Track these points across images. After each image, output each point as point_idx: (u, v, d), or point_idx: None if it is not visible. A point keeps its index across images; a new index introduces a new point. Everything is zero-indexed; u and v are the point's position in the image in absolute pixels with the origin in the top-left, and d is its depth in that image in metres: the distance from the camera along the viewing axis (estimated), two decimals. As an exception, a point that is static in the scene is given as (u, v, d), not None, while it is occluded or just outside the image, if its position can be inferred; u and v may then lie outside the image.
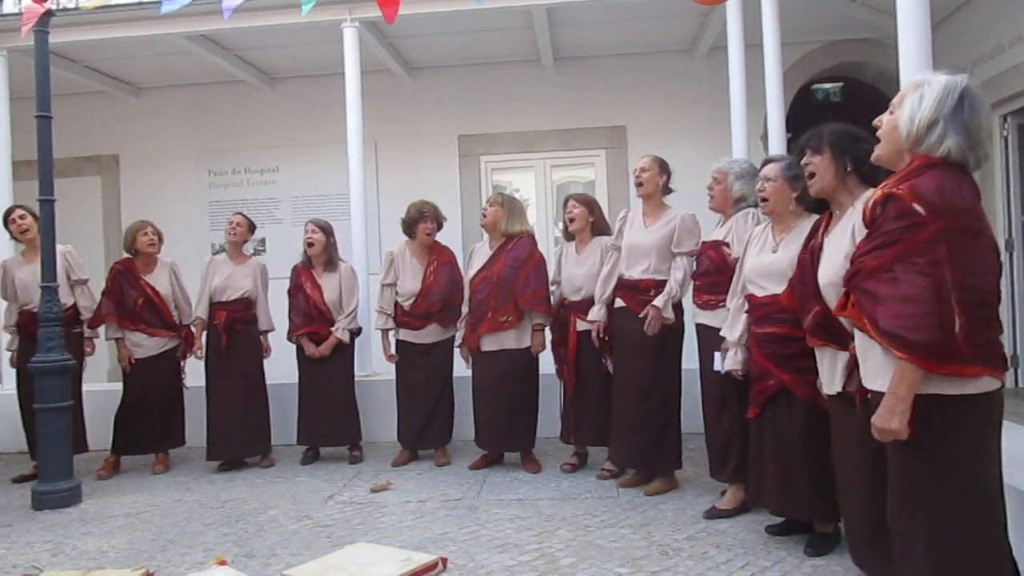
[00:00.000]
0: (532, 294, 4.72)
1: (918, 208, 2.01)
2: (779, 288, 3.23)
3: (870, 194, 2.24)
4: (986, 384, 2.03)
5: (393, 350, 5.19)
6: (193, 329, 5.29)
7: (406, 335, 5.13)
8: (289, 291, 5.34)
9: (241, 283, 5.25)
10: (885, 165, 2.25)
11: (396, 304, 5.14)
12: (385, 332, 5.20)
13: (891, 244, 2.05)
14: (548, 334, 4.87)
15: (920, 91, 2.12)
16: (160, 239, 5.26)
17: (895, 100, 2.21)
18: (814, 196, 2.85)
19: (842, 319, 2.41)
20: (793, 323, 3.17)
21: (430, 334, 5.09)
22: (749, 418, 3.45)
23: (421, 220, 5.09)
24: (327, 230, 5.28)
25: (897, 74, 3.42)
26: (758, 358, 3.36)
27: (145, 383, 5.13)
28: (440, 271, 5.10)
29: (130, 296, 5.11)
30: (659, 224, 4.22)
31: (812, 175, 2.79)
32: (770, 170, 3.39)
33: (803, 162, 2.82)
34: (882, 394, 2.10)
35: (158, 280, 5.21)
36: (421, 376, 5.09)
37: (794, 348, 3.15)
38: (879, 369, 2.15)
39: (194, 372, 5.39)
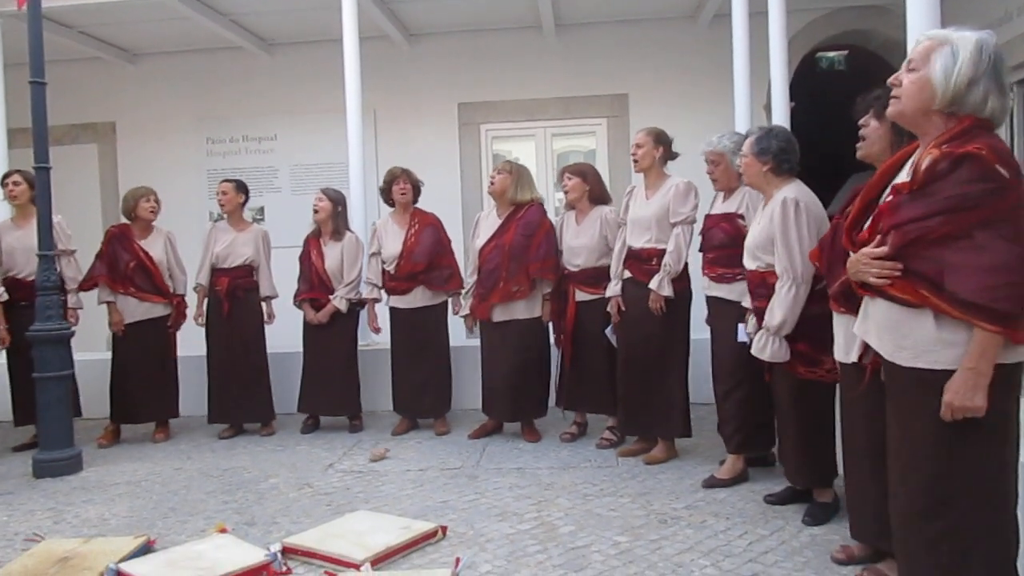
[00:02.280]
0: (543, 262, 4.67)
1: (1002, 171, 1.90)
2: (751, 264, 3.38)
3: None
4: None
5: (380, 321, 5.20)
6: (190, 297, 5.27)
7: (395, 301, 5.13)
8: (300, 258, 5.35)
9: (242, 250, 5.23)
10: (905, 124, 2.13)
11: (384, 273, 5.14)
12: (372, 302, 5.21)
13: (967, 208, 1.92)
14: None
15: (949, 47, 1.99)
16: (160, 207, 5.24)
17: (914, 56, 2.06)
18: (860, 159, 2.80)
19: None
20: (766, 296, 3.28)
21: (418, 298, 5.07)
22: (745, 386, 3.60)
23: (394, 183, 5.08)
24: (336, 199, 5.25)
25: (903, 42, 3.37)
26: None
27: (134, 349, 5.10)
28: (422, 232, 5.08)
29: (123, 259, 5.09)
30: (659, 195, 4.19)
31: (861, 138, 2.75)
32: (744, 146, 3.44)
33: (860, 121, 2.75)
34: (926, 371, 2.00)
35: (152, 246, 5.18)
36: (413, 344, 5.09)
37: None
38: (925, 346, 2.02)
39: (194, 340, 5.39)
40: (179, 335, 5.33)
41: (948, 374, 1.97)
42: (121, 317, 5.09)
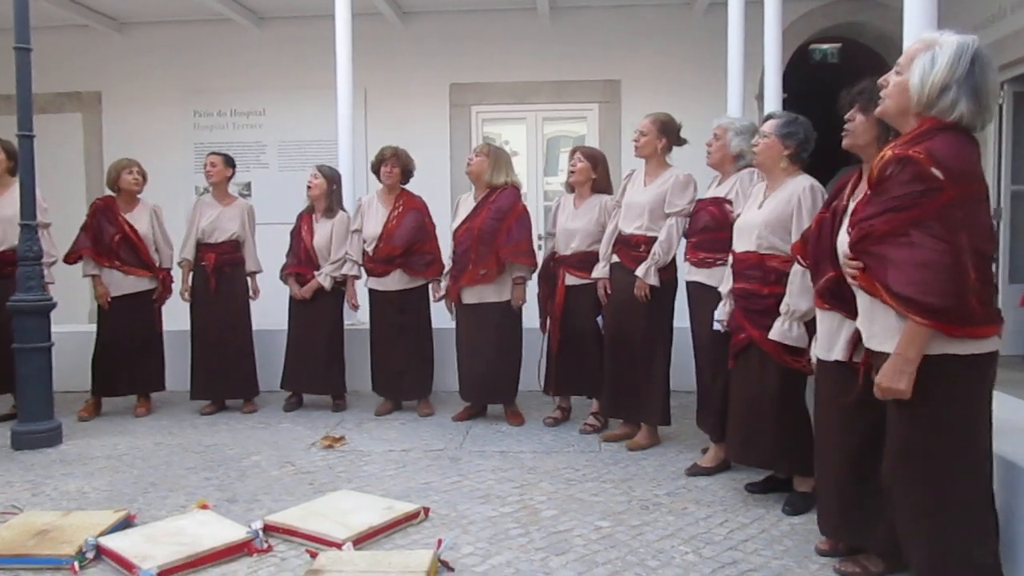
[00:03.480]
0: (515, 246, 4.67)
1: (936, 173, 2.02)
2: (751, 245, 3.32)
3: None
4: (990, 344, 2.09)
5: (358, 299, 5.19)
6: (175, 272, 5.23)
7: (374, 283, 5.11)
8: (291, 233, 5.32)
9: (228, 224, 5.19)
10: (889, 122, 2.26)
11: (364, 253, 5.12)
12: (351, 279, 5.20)
13: (905, 208, 2.06)
14: (535, 287, 4.85)
15: (931, 52, 2.10)
16: (144, 179, 5.17)
17: (902, 60, 2.19)
18: (845, 148, 2.81)
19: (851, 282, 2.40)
20: (761, 280, 3.29)
21: (395, 281, 5.04)
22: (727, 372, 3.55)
23: (382, 163, 5.05)
24: (330, 177, 5.22)
25: (897, 37, 3.37)
26: (735, 311, 3.45)
27: (119, 323, 5.05)
28: (405, 216, 5.04)
29: (107, 232, 5.02)
30: (656, 183, 4.17)
31: (848, 131, 2.77)
32: (767, 125, 3.39)
33: (847, 115, 2.79)
34: (887, 355, 2.13)
35: (138, 219, 5.12)
36: (392, 326, 5.07)
37: (761, 304, 3.28)
38: (888, 332, 2.16)
39: (177, 315, 5.35)
40: (163, 310, 5.27)
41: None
42: (107, 290, 5.03)
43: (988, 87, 2.09)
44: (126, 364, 5.08)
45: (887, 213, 2.10)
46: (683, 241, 4.09)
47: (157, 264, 5.19)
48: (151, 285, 5.16)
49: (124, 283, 5.07)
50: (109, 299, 5.03)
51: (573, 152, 4.70)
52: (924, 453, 2.15)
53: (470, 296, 4.78)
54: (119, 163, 5.13)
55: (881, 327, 2.19)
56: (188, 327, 5.24)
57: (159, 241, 5.22)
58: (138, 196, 5.17)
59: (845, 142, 2.81)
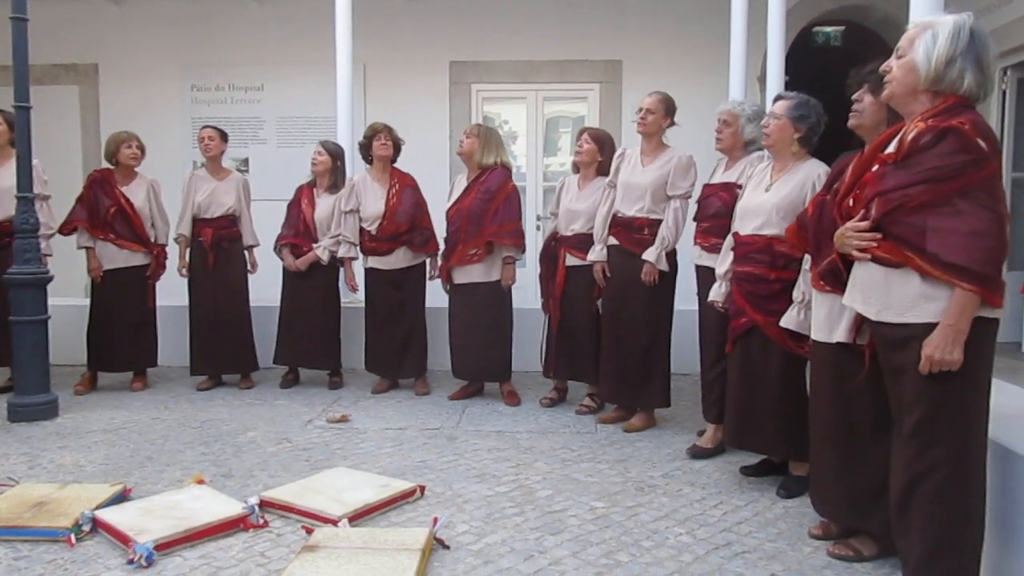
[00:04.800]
0: (500, 227, 4.67)
1: (981, 144, 2.08)
2: (758, 228, 3.30)
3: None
4: (1000, 310, 2.16)
5: (358, 279, 5.19)
6: (172, 249, 5.21)
7: (375, 262, 5.08)
8: (288, 206, 5.29)
9: (224, 199, 5.16)
10: (895, 106, 2.31)
11: (362, 232, 5.09)
12: (349, 261, 5.18)
13: (949, 178, 2.09)
14: (536, 267, 4.85)
15: (931, 31, 2.18)
16: (143, 153, 5.13)
17: (902, 44, 2.25)
18: (850, 127, 2.81)
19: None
20: (769, 265, 3.26)
21: (400, 259, 5.04)
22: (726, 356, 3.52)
23: (375, 137, 5.02)
24: (335, 154, 5.20)
25: (901, 19, 3.36)
26: (735, 295, 3.42)
27: (112, 297, 5.03)
28: (403, 192, 5.03)
29: (103, 204, 4.99)
30: (657, 164, 4.15)
31: (857, 111, 2.79)
32: (778, 107, 3.35)
33: (855, 96, 2.79)
34: (909, 325, 2.18)
35: (134, 193, 5.08)
36: (392, 305, 5.06)
37: (767, 289, 3.25)
38: (908, 302, 2.18)
39: (174, 290, 5.34)
40: (158, 285, 5.25)
41: (931, 327, 2.14)
42: (99, 263, 5.01)
43: (989, 58, 2.18)
44: (120, 339, 5.06)
45: (926, 183, 2.12)
46: (692, 225, 4.07)
47: (153, 239, 5.16)
48: (145, 260, 5.13)
49: (118, 256, 5.05)
50: (101, 273, 5.02)
51: (581, 133, 4.67)
52: (952, 420, 2.18)
53: (460, 276, 4.79)
54: (118, 136, 5.09)
55: (899, 298, 2.20)
56: (186, 303, 5.23)
57: (155, 216, 5.19)
58: (136, 170, 5.14)
59: (851, 122, 2.82)
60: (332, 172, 5.18)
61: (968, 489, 2.20)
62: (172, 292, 5.39)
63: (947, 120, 2.11)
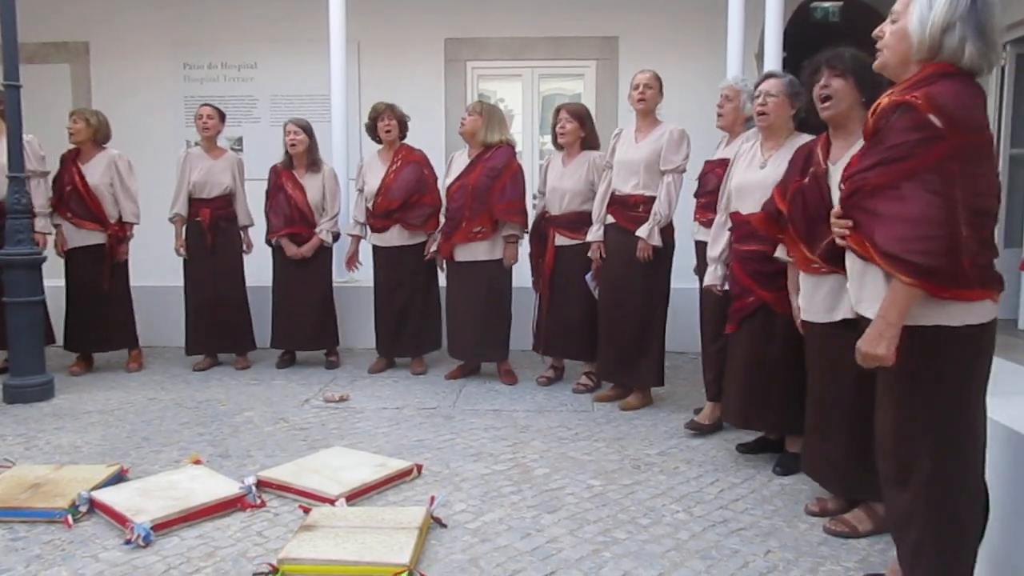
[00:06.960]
0: (508, 204, 4.66)
1: (935, 120, 1.84)
2: (753, 206, 3.24)
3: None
4: (986, 313, 1.95)
5: (361, 257, 5.18)
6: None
7: (375, 239, 5.09)
8: (268, 192, 5.22)
9: (221, 178, 5.12)
10: (889, 75, 2.08)
11: (367, 210, 5.09)
12: (355, 239, 5.17)
13: (900, 159, 1.88)
14: (526, 246, 4.83)
15: None
16: (89, 125, 4.98)
17: (897, 7, 2.02)
18: (827, 119, 2.75)
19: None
20: (773, 241, 3.18)
21: (394, 237, 5.02)
22: (727, 334, 3.49)
23: (378, 119, 4.99)
24: (308, 130, 5.15)
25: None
26: (739, 275, 3.38)
27: (76, 276, 5.00)
28: (403, 169, 4.98)
29: (63, 182, 4.96)
30: (650, 139, 4.13)
31: (828, 98, 2.70)
32: (773, 85, 3.32)
33: (822, 83, 2.71)
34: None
35: (92, 170, 4.98)
36: (390, 283, 5.06)
37: (772, 267, 3.20)
38: (878, 295, 1.99)
39: (170, 270, 5.31)
40: (152, 265, 5.21)
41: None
42: (64, 240, 4.97)
43: (993, 23, 1.91)
44: (86, 319, 5.01)
45: (880, 166, 1.93)
46: (692, 201, 4.05)
47: (119, 218, 5.04)
48: (102, 240, 5.01)
49: (75, 236, 4.98)
50: (64, 250, 4.97)
51: (557, 112, 4.60)
52: (910, 436, 2.01)
53: (462, 254, 4.76)
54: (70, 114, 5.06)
55: (871, 290, 2.03)
56: (180, 283, 5.20)
57: (118, 193, 5.04)
58: (104, 145, 5.06)
59: (827, 113, 2.72)
60: (310, 150, 5.14)
61: (956, 499, 2.01)
62: (168, 272, 5.35)
63: (907, 94, 1.88)
